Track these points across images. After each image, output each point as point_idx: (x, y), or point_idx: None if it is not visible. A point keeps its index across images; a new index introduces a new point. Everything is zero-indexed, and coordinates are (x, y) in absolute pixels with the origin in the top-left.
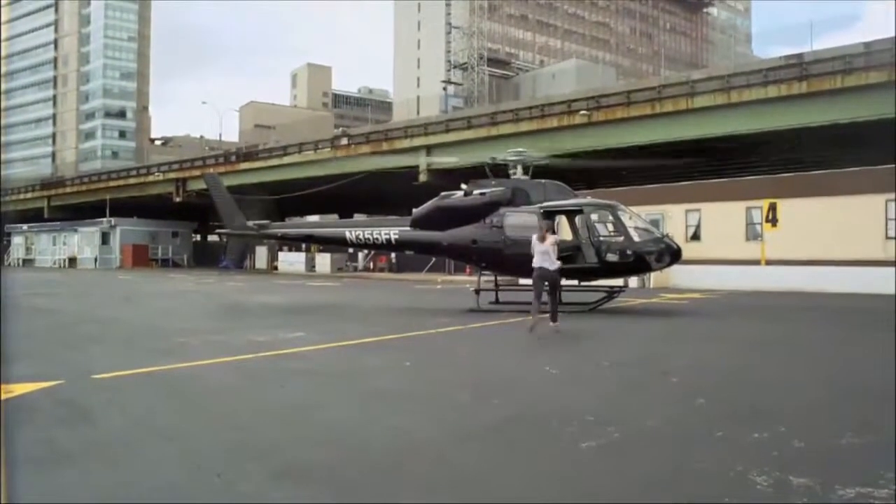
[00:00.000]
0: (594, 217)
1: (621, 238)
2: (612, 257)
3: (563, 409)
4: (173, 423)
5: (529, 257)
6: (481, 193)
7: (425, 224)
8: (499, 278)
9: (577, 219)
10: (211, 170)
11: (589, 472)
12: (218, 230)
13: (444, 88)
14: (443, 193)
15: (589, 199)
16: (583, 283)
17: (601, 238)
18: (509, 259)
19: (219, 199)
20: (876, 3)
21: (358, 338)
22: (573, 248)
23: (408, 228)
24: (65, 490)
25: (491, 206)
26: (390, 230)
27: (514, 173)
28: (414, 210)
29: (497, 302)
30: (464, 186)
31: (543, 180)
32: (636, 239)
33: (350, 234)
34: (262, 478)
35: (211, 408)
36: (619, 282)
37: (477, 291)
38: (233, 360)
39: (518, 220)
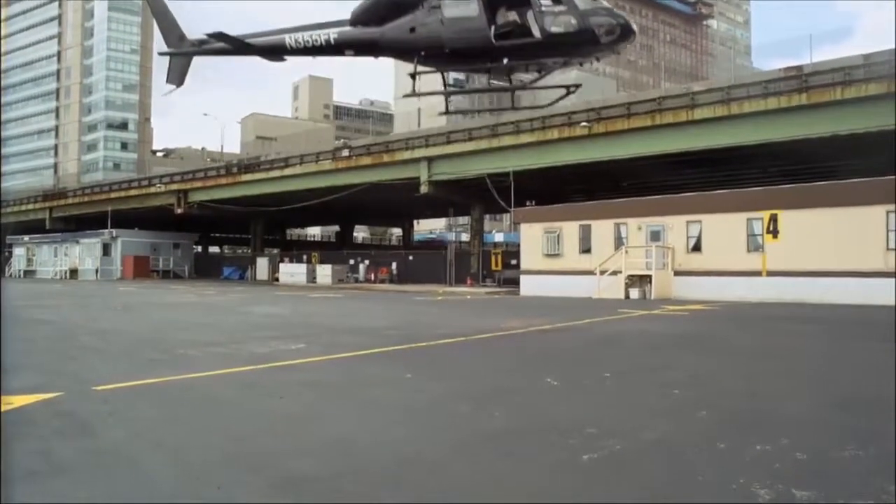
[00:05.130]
0: None
1: (564, 7)
2: (555, 29)
3: (565, 421)
4: (173, 434)
5: (470, 40)
6: None
7: (365, 20)
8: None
9: None
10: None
11: (590, 484)
12: (160, 52)
13: None
14: None
15: None
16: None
17: (543, 8)
18: (449, 43)
19: (156, 11)
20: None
21: (358, 349)
22: (512, 22)
23: (347, 28)
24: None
25: None
26: (329, 31)
27: None
28: (352, 8)
29: None
30: None
31: None
32: (581, 7)
33: (289, 39)
34: (263, 489)
35: (211, 419)
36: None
37: (412, 75)
38: (233, 372)
39: None
